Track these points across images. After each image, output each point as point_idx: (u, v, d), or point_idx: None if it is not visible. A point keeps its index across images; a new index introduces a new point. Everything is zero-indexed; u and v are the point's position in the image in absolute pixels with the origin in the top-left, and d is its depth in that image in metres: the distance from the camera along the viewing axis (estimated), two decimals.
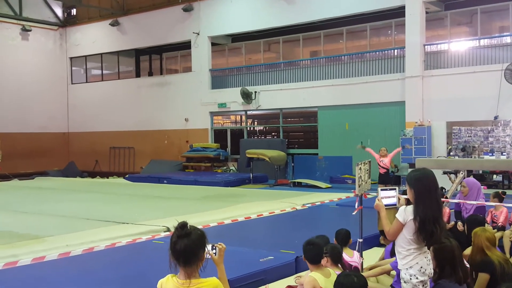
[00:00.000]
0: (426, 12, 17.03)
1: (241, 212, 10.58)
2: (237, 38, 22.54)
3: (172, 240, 2.77)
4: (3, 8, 24.45)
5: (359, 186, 7.33)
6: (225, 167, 21.67)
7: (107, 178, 22.60)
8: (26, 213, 11.77)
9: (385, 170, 12.72)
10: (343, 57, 19.41)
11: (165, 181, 18.58)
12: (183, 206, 12.40)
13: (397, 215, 3.92)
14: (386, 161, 12.67)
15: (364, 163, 7.52)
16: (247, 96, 20.62)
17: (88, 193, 15.93)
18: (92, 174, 24.55)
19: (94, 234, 8.45)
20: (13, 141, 23.51)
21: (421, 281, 3.87)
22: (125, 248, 7.21)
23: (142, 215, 10.78)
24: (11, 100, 24.63)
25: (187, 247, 2.72)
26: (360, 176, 7.40)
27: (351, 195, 9.40)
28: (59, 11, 27.20)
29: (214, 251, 2.95)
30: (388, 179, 12.73)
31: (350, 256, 5.30)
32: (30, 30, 25.51)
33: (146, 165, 23.15)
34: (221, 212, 10.83)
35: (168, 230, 8.73)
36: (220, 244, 3.00)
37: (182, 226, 2.78)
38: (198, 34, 22.23)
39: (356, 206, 7.18)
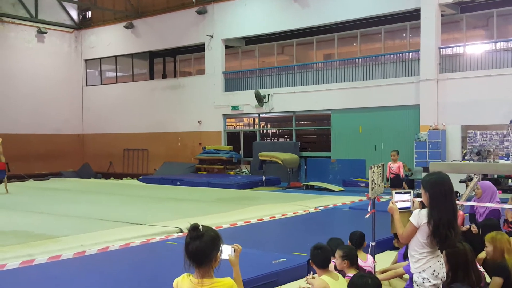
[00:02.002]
0: (442, 15, 16.92)
1: (254, 214, 10.59)
2: (250, 40, 22.59)
3: (185, 241, 2.84)
4: (20, 10, 24.78)
5: (372, 189, 7.30)
6: (237, 170, 21.71)
7: (121, 179, 22.76)
8: (41, 213, 11.89)
9: (393, 175, 12.12)
10: (357, 60, 19.35)
11: (178, 183, 18.65)
12: (196, 208, 12.42)
13: (411, 219, 3.90)
14: (395, 167, 12.01)
15: (377, 166, 7.49)
16: (260, 99, 20.64)
17: (102, 194, 16.04)
18: (106, 176, 24.74)
19: (108, 235, 8.51)
20: (29, 143, 23.80)
21: (434, 285, 3.85)
22: (138, 249, 7.25)
23: (156, 216, 10.82)
24: (27, 102, 24.93)
25: (199, 248, 2.78)
26: (373, 179, 7.37)
27: (364, 198, 9.35)
28: (74, 14, 27.50)
29: (230, 251, 2.99)
30: (399, 183, 12.11)
31: (364, 260, 5.29)
32: (45, 33, 25.82)
33: (159, 167, 23.26)
34: (234, 214, 10.84)
35: (181, 231, 8.76)
36: (236, 245, 3.04)
37: (194, 228, 2.84)
38: (212, 36, 22.32)
39: (369, 209, 7.15)
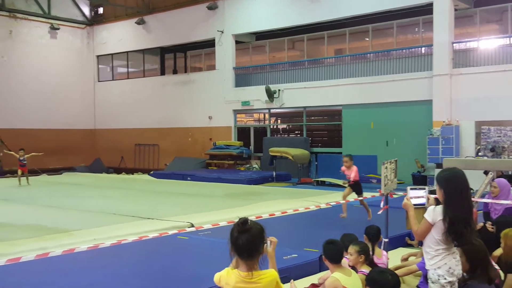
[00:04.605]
0: (455, 9, 16.72)
1: (265, 210, 10.55)
2: (261, 36, 22.51)
3: (233, 236, 2.89)
4: (32, 6, 24.91)
5: (385, 185, 7.22)
6: (248, 165, 21.69)
7: (132, 174, 22.86)
8: (54, 207, 12.00)
9: (352, 183, 9.75)
10: (368, 55, 19.20)
11: (189, 178, 18.69)
12: (207, 203, 12.46)
13: (425, 215, 3.85)
14: (353, 175, 9.63)
15: (390, 162, 7.41)
16: (270, 94, 20.58)
17: (114, 189, 16.14)
18: (118, 171, 24.86)
19: (120, 229, 8.59)
20: (42, 138, 23.96)
21: (449, 282, 3.80)
22: (150, 243, 7.28)
23: (167, 211, 10.90)
24: (40, 97, 25.10)
25: (249, 241, 2.86)
26: (386, 175, 7.30)
27: (377, 194, 9.27)
28: (86, 10, 27.59)
29: (267, 244, 3.07)
30: (355, 190, 9.81)
31: (379, 256, 5.25)
32: (58, 29, 25.93)
33: (170, 162, 23.32)
34: (244, 210, 10.84)
35: (192, 226, 8.78)
36: (272, 238, 3.11)
37: (244, 222, 2.91)
38: (222, 32, 22.28)
39: (381, 206, 7.08)
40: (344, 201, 9.71)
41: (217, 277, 3.02)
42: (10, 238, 8.16)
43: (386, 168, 7.28)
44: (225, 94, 22.30)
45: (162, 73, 26.08)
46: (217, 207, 11.56)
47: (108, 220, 9.87)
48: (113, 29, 26.96)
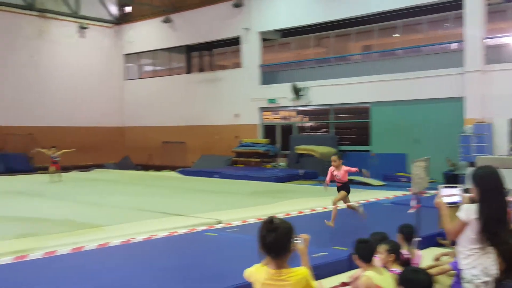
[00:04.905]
0: (487, 4, 16.34)
1: (292, 208, 10.52)
2: (287, 33, 22.42)
3: (261, 234, 2.90)
4: (61, 6, 25.36)
5: (416, 184, 7.11)
6: (274, 163, 21.66)
7: (160, 171, 23.08)
8: (85, 203, 12.23)
9: (340, 184, 8.82)
10: (397, 51, 18.93)
11: (216, 176, 18.77)
12: (234, 200, 12.51)
13: (459, 214, 3.77)
14: (340, 175, 8.69)
15: (422, 160, 7.29)
16: (297, 92, 20.49)
17: (142, 186, 16.34)
18: (146, 168, 25.14)
19: (150, 225, 8.70)
20: (72, 135, 24.43)
21: (484, 282, 3.72)
22: (180, 239, 7.35)
23: (195, 208, 10.99)
24: (70, 95, 25.55)
25: (277, 240, 2.86)
26: (417, 174, 7.18)
27: (407, 193, 9.13)
28: (114, 9, 27.94)
29: (299, 241, 3.08)
30: (347, 189, 8.90)
31: (413, 256, 5.17)
32: (86, 28, 26.34)
33: (197, 159, 23.47)
34: (272, 207, 10.84)
35: (220, 223, 8.84)
36: (304, 235, 3.13)
37: (271, 221, 2.91)
38: (248, 29, 22.28)
39: (412, 204, 6.97)
40: (334, 206, 8.53)
41: (247, 272, 3.04)
42: (44, 232, 8.36)
43: (418, 166, 7.16)
44: (251, 91, 22.30)
45: (188, 71, 26.24)
46: (244, 205, 11.60)
47: (137, 216, 10.02)
48: (140, 28, 27.25)
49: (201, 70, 26.06)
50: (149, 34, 26.86)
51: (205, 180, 18.11)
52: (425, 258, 5.99)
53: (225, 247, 7.00)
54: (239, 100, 22.72)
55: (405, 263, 4.74)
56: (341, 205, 8.79)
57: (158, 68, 27.91)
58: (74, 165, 22.36)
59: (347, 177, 8.66)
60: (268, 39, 22.80)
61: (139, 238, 6.09)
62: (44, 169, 19.15)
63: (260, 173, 18.46)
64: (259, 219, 8.89)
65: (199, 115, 24.33)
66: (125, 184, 17.01)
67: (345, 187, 8.67)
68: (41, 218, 9.90)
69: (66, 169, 19.44)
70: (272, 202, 11.88)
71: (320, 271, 5.87)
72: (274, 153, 21.73)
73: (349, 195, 8.78)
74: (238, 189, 15.13)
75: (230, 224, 7.45)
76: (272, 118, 23.11)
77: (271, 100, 21.69)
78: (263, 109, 22.52)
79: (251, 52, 22.42)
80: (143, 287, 5.11)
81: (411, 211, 6.96)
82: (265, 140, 21.97)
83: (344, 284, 5.25)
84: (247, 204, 11.69)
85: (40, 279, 5.29)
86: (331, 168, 8.67)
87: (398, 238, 5.19)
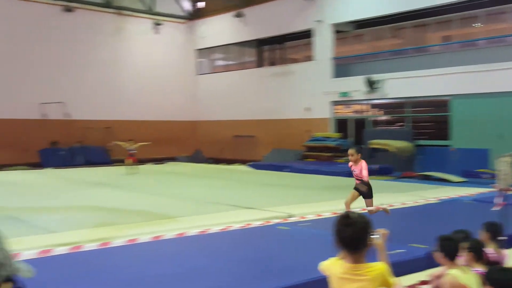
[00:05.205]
0: None
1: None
2: (361, 24, 21.85)
3: (337, 228, 2.86)
4: (137, 4, 26.22)
5: (501, 180, 6.69)
6: (346, 158, 21.21)
7: (231, 165, 23.34)
8: (159, 195, 12.57)
9: (359, 181, 7.75)
10: (479, 41, 17.90)
11: (286, 170, 18.69)
12: (305, 195, 12.40)
13: None
14: (357, 171, 7.68)
15: (507, 155, 6.89)
16: (371, 85, 19.94)
17: (214, 179, 16.56)
18: (217, 161, 25.52)
19: (223, 217, 8.75)
20: (146, 129, 25.25)
21: None
22: (252, 232, 7.36)
23: (266, 201, 10.96)
24: (145, 90, 26.39)
25: (354, 234, 2.82)
26: (503, 170, 6.76)
27: (491, 190, 8.59)
28: (187, 5, 28.52)
29: (377, 236, 3.04)
30: (363, 190, 7.73)
31: (499, 255, 4.82)
32: (161, 24, 27.07)
33: (267, 153, 23.51)
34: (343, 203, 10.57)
35: (292, 216, 8.77)
36: (383, 230, 3.07)
37: (347, 215, 2.89)
38: (321, 22, 21.94)
39: (497, 202, 6.57)
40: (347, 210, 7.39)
41: (323, 266, 3.01)
42: (123, 222, 8.63)
43: (503, 162, 6.77)
44: (323, 85, 21.97)
45: (260, 65, 26.30)
46: (316, 199, 11.48)
47: (211, 208, 10.15)
48: (212, 23, 27.62)
49: (272, 63, 26.03)
50: (221, 29, 27.18)
51: (275, 174, 18.10)
52: (511, 258, 5.64)
53: (297, 241, 6.93)
54: (311, 93, 22.47)
55: (489, 262, 4.45)
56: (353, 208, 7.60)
57: (230, 62, 28.20)
58: (149, 158, 23.10)
59: (367, 175, 7.59)
60: (341, 31, 22.34)
61: (215, 229, 6.19)
62: (121, 162, 19.88)
63: (332, 167, 18.17)
64: (333, 214, 8.72)
65: (270, 109, 24.33)
66: (197, 177, 17.34)
67: (364, 186, 7.60)
68: (118, 208, 10.23)
69: (141, 161, 20.10)
70: (344, 197, 11.60)
71: (397, 269, 5.61)
72: (346, 147, 21.29)
73: (373, 197, 7.68)
74: (309, 183, 14.98)
75: (305, 217, 7.36)
76: (344, 112, 22.67)
77: (344, 94, 21.26)
78: (335, 103, 22.13)
79: (323, 45, 22.07)
80: (220, 277, 5.15)
81: (495, 208, 6.57)
82: (337, 134, 21.60)
83: (423, 282, 5.07)
84: (319, 199, 11.55)
85: (124, 264, 5.51)
86: (350, 163, 7.86)
87: (482, 236, 4.88)
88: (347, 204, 7.68)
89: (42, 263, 5.05)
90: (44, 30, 23.35)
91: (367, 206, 7.51)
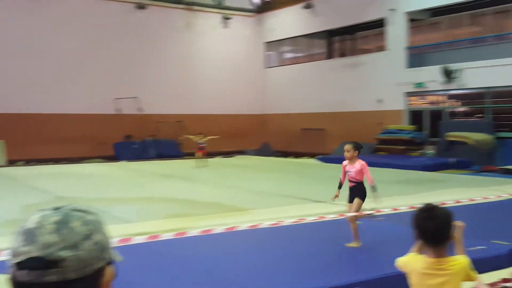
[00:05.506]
0: None
1: (444, 198, 9.67)
2: (437, 12, 20.81)
3: (419, 222, 2.81)
4: None
5: None
6: (421, 151, 20.37)
7: (299, 158, 23.09)
8: (229, 187, 12.60)
9: (353, 184, 6.37)
10: None
11: None
12: (378, 189, 11.91)
13: None
14: (353, 171, 6.34)
15: None
16: (448, 75, 18.95)
17: (282, 172, 16.44)
18: (285, 154, 25.36)
19: (295, 210, 8.71)
20: (216, 122, 25.54)
21: None
22: (326, 225, 7.24)
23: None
24: (214, 84, 26.69)
25: (437, 227, 2.77)
26: None
27: None
28: None
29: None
30: (360, 194, 6.31)
31: None
32: (229, 18, 27.23)
33: (337, 146, 23.03)
34: (419, 197, 10.12)
35: (363, 211, 8.42)
36: (459, 222, 2.93)
37: (430, 208, 2.84)
38: (394, 10, 21.13)
39: None
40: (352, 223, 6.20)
41: (400, 262, 2.93)
42: (195, 213, 8.79)
43: None
44: (396, 76, 21.17)
45: (329, 56, 25.81)
46: (390, 193, 10.97)
47: (280, 201, 10.05)
48: (281, 15, 27.42)
49: (343, 55, 25.45)
50: (290, 21, 26.93)
51: None
52: None
53: (371, 235, 6.71)
54: (383, 85, 21.74)
55: None
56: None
57: (298, 54, 27.90)
58: (218, 151, 23.33)
59: (363, 176, 6.29)
60: (416, 19, 21.41)
61: (288, 221, 6.18)
62: (191, 155, 20.19)
63: (406, 161, 17.48)
64: (410, 208, 8.28)
65: (339, 101, 23.82)
66: (265, 170, 17.27)
67: (359, 189, 6.27)
68: (191, 200, 10.35)
69: (210, 155, 20.31)
70: (420, 191, 11.12)
71: (478, 266, 5.28)
72: (421, 140, 20.45)
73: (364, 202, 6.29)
74: (381, 177, 14.32)
75: (380, 211, 7.10)
76: (419, 103, 21.74)
77: (419, 84, 20.38)
78: (409, 94, 21.27)
79: (397, 34, 21.26)
80: (293, 270, 5.14)
81: None
82: (411, 127, 20.79)
83: (506, 280, 4.93)
84: (392, 193, 11.04)
85: (199, 254, 5.63)
86: (344, 162, 6.47)
87: None
88: (353, 222, 6.19)
89: (122, 251, 5.17)
90: (118, 28, 24.16)
91: (352, 208, 6.20)
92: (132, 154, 22.98)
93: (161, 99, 25.10)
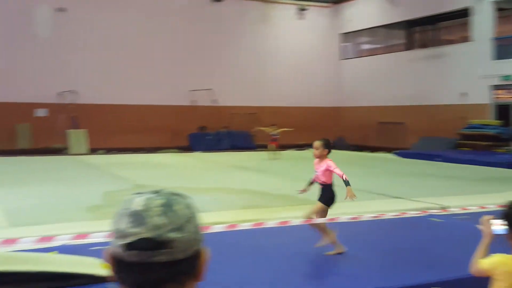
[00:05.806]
0: None
1: None
2: None
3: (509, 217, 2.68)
4: None
5: None
6: (508, 147, 19.10)
7: (375, 153, 22.43)
8: (301, 180, 12.32)
9: (321, 186, 5.47)
10: None
11: (437, 159, 17.37)
12: (460, 186, 11.37)
13: None
14: (319, 171, 5.46)
15: None
16: None
17: (357, 166, 15.93)
18: (360, 148, 24.71)
19: (373, 205, 8.51)
20: (289, 115, 25.32)
21: None
22: (404, 221, 6.93)
23: (416, 191, 10.31)
24: (289, 76, 26.50)
25: None
26: None
27: None
28: None
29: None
30: (320, 197, 5.41)
31: None
32: (305, 10, 26.86)
33: (416, 141, 22.14)
34: (507, 195, 9.38)
35: (445, 208, 8.02)
36: None
37: None
38: None
39: None
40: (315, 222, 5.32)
41: (487, 264, 2.75)
42: (270, 205, 8.83)
43: None
44: (482, 68, 19.96)
45: (409, 47, 24.79)
46: (473, 191, 10.42)
47: (357, 196, 9.73)
48: (358, 5, 26.73)
49: (424, 46, 24.35)
50: (368, 11, 26.16)
51: (424, 163, 16.91)
52: None
53: (453, 234, 6.37)
54: (467, 77, 20.58)
55: None
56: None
57: (376, 46, 27.04)
58: (290, 143, 23.15)
59: (331, 178, 5.40)
60: (504, 8, 20.05)
61: (366, 216, 6.11)
62: (264, 147, 20.15)
63: (490, 158, 16.45)
64: (498, 207, 7.72)
65: (420, 94, 22.83)
66: (340, 164, 16.62)
67: (327, 192, 5.36)
68: (264, 192, 10.31)
69: (283, 147, 20.17)
70: (508, 189, 10.34)
71: None
72: (508, 136, 19.17)
73: (331, 207, 5.41)
74: (464, 174, 13.72)
75: (464, 209, 6.70)
76: (506, 97, 20.37)
77: (507, 77, 19.10)
78: (496, 87, 19.99)
79: (483, 24, 20.02)
80: (369, 265, 5.05)
81: None
82: (497, 122, 19.57)
83: None
84: (476, 191, 10.47)
85: (278, 245, 5.66)
86: (315, 161, 5.57)
87: None
88: (309, 219, 5.30)
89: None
90: (195, 20, 24.55)
91: (304, 212, 5.43)
92: (206, 145, 23.32)
93: (235, 91, 25.26)
